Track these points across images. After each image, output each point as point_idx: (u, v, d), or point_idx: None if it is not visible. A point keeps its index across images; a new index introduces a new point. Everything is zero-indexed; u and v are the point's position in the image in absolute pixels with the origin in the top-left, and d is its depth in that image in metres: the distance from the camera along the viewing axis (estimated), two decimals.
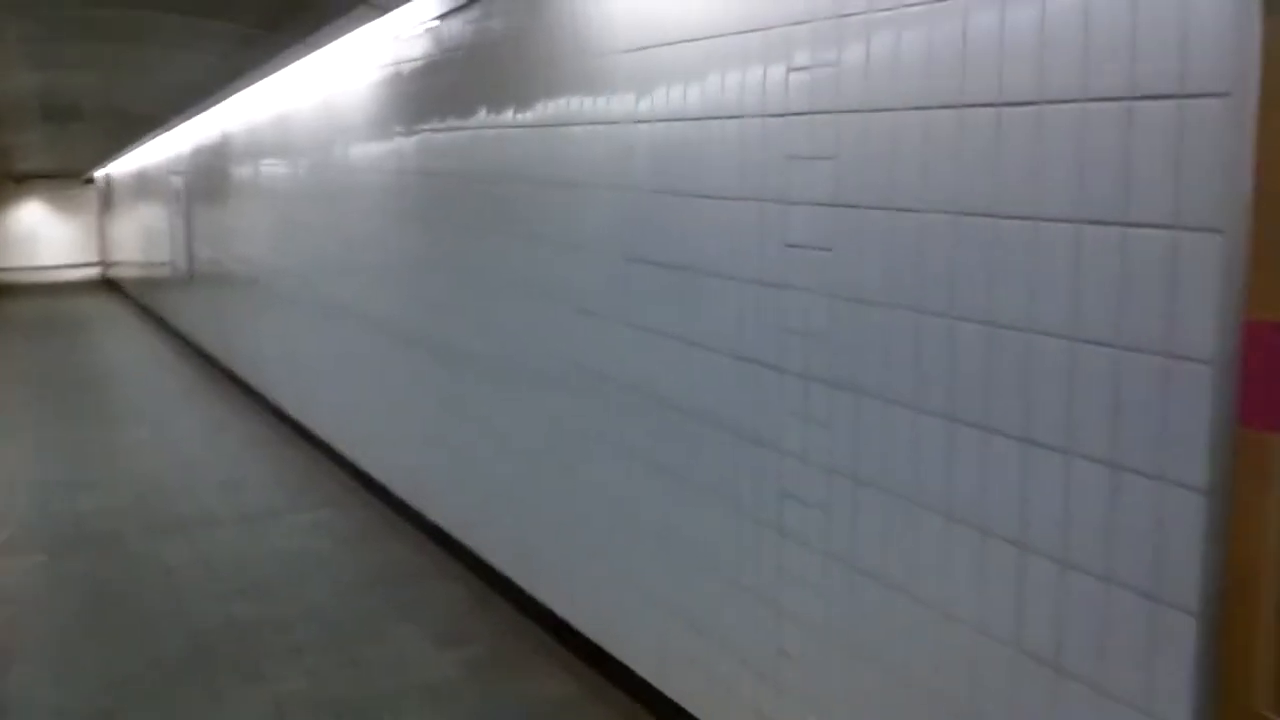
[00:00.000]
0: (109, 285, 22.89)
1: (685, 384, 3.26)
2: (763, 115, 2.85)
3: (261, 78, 8.07)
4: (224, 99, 9.44)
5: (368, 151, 6.20)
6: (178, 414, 9.04)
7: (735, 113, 2.96)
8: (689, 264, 3.21)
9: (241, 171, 9.61)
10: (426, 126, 5.25)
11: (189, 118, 11.42)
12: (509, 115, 4.38)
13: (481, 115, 4.64)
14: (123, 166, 19.91)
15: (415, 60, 5.35)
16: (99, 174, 24.78)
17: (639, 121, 3.43)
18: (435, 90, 5.15)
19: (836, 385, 2.62)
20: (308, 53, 6.82)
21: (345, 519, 6.02)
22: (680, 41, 3.20)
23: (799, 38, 2.70)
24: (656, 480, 3.46)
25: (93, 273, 26.09)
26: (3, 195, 27.53)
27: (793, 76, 2.73)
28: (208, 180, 11.28)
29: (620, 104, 3.53)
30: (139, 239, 17.98)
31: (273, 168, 8.45)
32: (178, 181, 12.98)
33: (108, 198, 23.75)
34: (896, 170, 2.41)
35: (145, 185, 16.82)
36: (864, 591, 2.59)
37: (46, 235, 28.36)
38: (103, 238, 26.08)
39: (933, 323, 2.33)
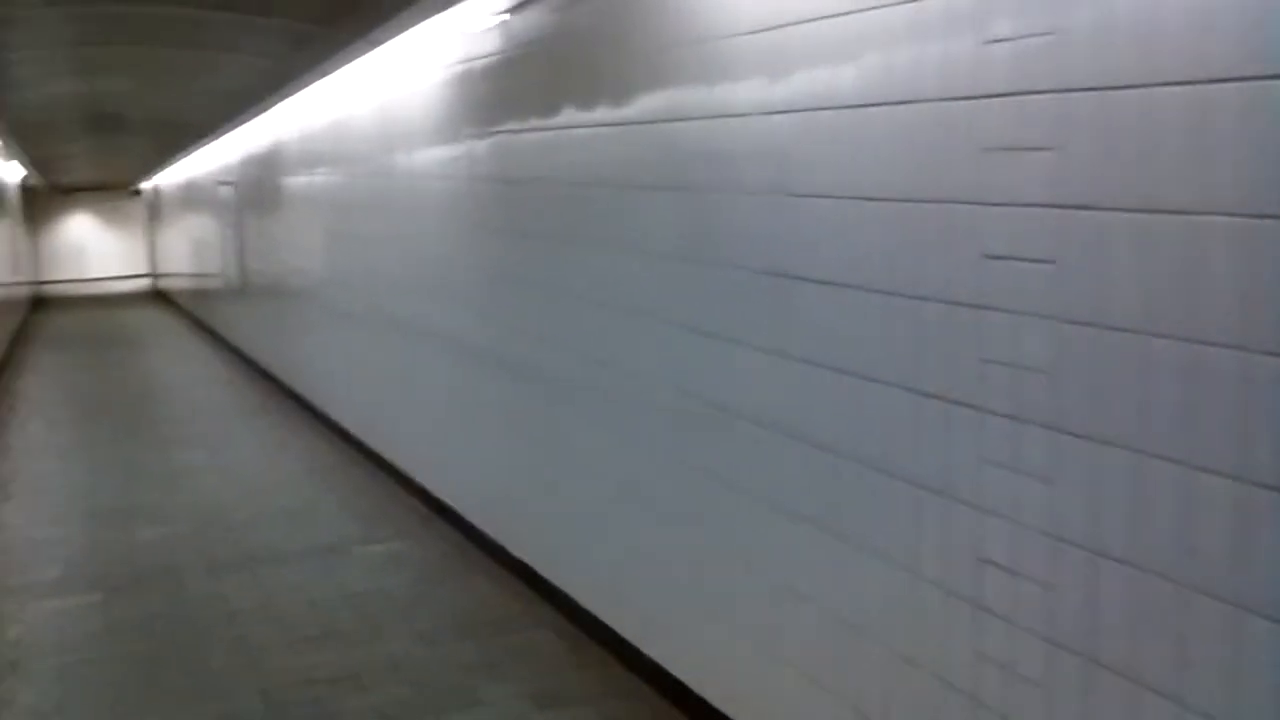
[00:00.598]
0: (159, 297, 22.77)
1: (839, 420, 2.77)
2: (945, 99, 2.35)
3: (315, 80, 7.67)
4: (275, 105, 9.07)
5: (433, 156, 5.77)
6: (235, 434, 8.68)
7: (905, 97, 2.47)
8: (843, 278, 2.72)
9: (294, 180, 9.24)
10: (502, 128, 4.80)
11: (239, 125, 11.08)
12: (601, 112, 3.91)
13: (568, 113, 4.18)
14: (170, 177, 19.72)
15: (488, 56, 4.90)
16: (147, 185, 24.67)
17: (772, 112, 2.94)
18: (512, 88, 4.70)
19: (1065, 431, 2.11)
20: (366, 51, 6.40)
21: (421, 552, 5.59)
22: (824, 17, 2.70)
23: (998, 2, 2.20)
24: (796, 530, 2.97)
25: (142, 284, 26.01)
26: (51, 208, 27.49)
27: (990, 50, 2.23)
28: (259, 189, 10.94)
29: (746, 92, 3.05)
30: (189, 250, 17.75)
31: (328, 175, 8.06)
32: (227, 192, 12.67)
33: (156, 209, 23.62)
34: (1153, 163, 1.90)
35: (194, 196, 16.57)
36: (1107, 692, 2.08)
37: (95, 247, 28.29)
38: (152, 249, 25.99)
39: (1217, 356, 1.82)
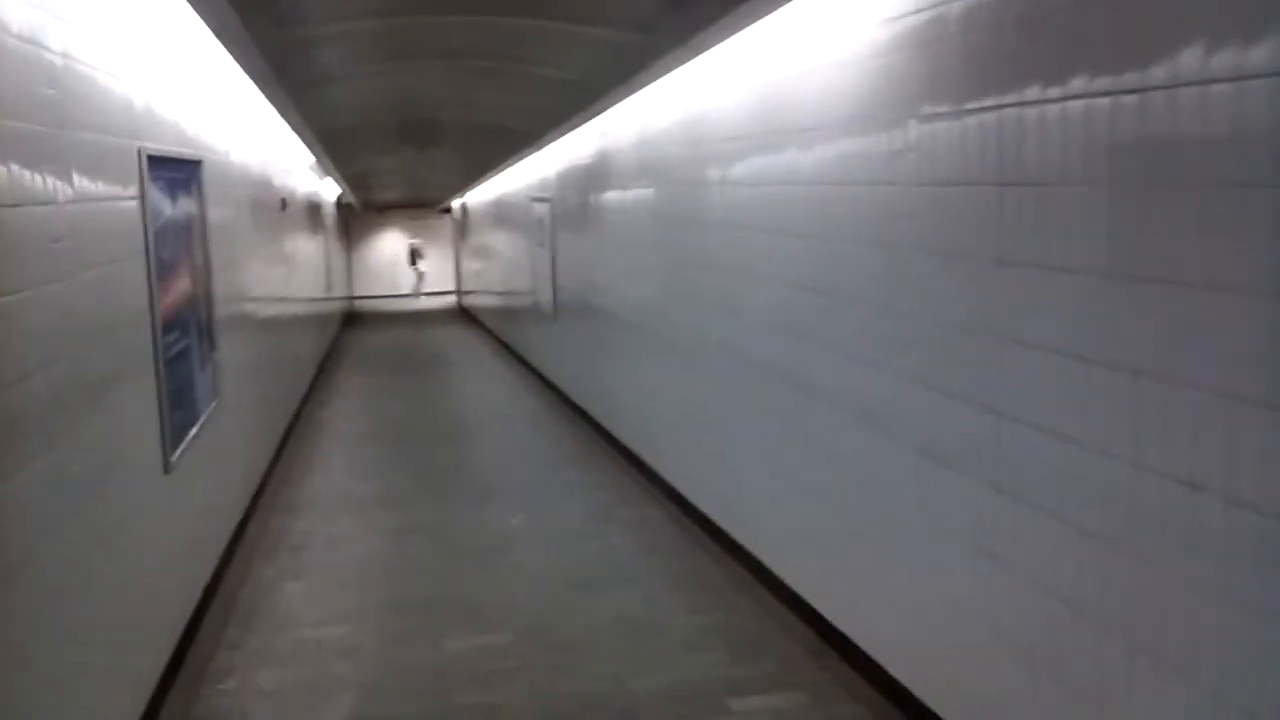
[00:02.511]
0: (464, 314, 22.54)
1: None
2: None
3: (653, 78, 6.24)
4: (607, 108, 7.75)
5: (836, 155, 4.13)
6: (552, 492, 7.37)
7: None
8: None
9: (624, 195, 7.90)
10: (1012, 97, 3.07)
11: (556, 136, 9.92)
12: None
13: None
14: (479, 195, 19.27)
15: None
16: (455, 204, 24.65)
17: None
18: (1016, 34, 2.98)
19: None
20: (736, 28, 4.87)
21: (825, 714, 3.94)
22: None
23: None
24: None
25: (448, 301, 26.09)
26: (366, 225, 28.21)
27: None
28: (576, 206, 9.73)
29: None
30: (495, 269, 17.10)
31: (667, 188, 6.62)
32: (541, 209, 11.61)
33: (463, 227, 23.48)
34: None
35: (503, 214, 15.83)
36: None
37: (404, 264, 28.85)
38: (458, 267, 26.02)
39: None
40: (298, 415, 10.27)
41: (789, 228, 4.72)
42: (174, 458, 4.49)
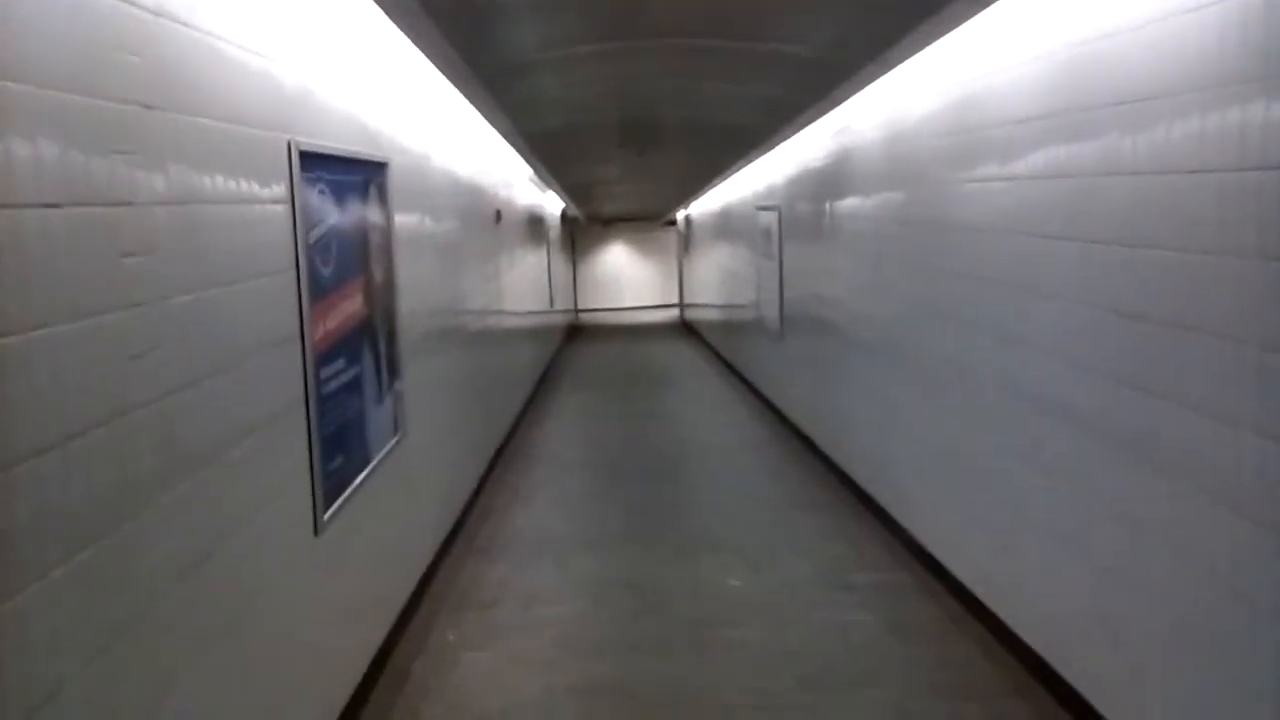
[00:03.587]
0: (685, 329, 21.80)
1: None
2: None
3: (922, 44, 5.17)
4: (844, 101, 6.72)
5: (1191, 133, 2.98)
6: (775, 543, 6.37)
7: None
8: None
9: (863, 200, 6.83)
10: None
11: (787, 135, 8.93)
12: None
13: None
14: (702, 206, 18.49)
15: None
16: (679, 215, 23.99)
17: None
18: None
19: None
20: None
21: None
22: None
23: None
24: None
25: (671, 314, 25.46)
26: (591, 238, 27.99)
27: None
28: (807, 214, 8.71)
29: None
30: (718, 283, 16.24)
31: (924, 187, 5.52)
32: (767, 218, 10.64)
33: (687, 239, 22.77)
34: None
35: (726, 224, 14.96)
36: None
37: (629, 276, 28.47)
38: (680, 280, 25.36)
39: None
40: (510, 436, 9.67)
41: (1101, 232, 3.56)
42: (326, 516, 3.76)
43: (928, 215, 5.51)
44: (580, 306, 27.06)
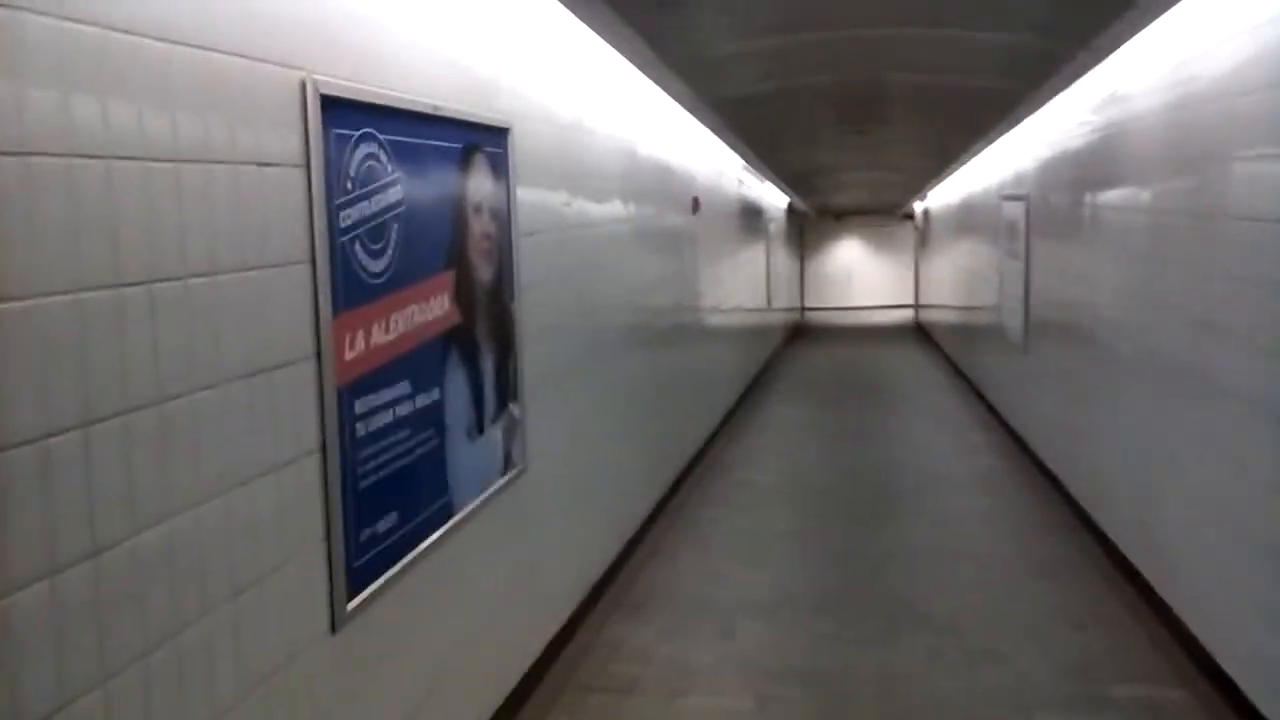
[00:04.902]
0: (919, 332, 20.07)
1: None
2: None
3: None
4: (1119, 42, 5.22)
5: None
6: (1007, 626, 4.96)
7: None
8: None
9: (1138, 188, 5.31)
10: None
11: (1038, 104, 7.40)
12: None
13: None
14: (940, 197, 16.78)
15: None
16: (917, 207, 22.20)
17: None
18: None
19: None
20: None
21: None
22: None
23: None
24: None
25: (905, 315, 23.69)
26: (821, 232, 26.51)
27: None
28: (1062, 205, 7.16)
29: None
30: (956, 283, 14.58)
31: (1233, 166, 4.01)
32: (1012, 210, 9.06)
33: (924, 234, 20.98)
34: None
35: (965, 217, 13.31)
36: None
37: (861, 274, 26.81)
38: (916, 279, 23.52)
39: None
40: (701, 453, 8.54)
41: None
42: (354, 603, 2.72)
43: (1229, 206, 4.00)
44: (807, 305, 25.63)
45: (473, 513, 3.56)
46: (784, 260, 19.47)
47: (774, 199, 16.75)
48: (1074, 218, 6.79)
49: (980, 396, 11.43)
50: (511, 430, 3.96)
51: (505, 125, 3.89)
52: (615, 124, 5.77)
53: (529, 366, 4.15)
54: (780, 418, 11.01)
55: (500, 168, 3.86)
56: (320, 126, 2.56)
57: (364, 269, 2.78)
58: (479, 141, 3.65)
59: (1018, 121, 8.13)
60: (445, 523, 3.33)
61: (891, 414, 11.10)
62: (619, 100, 5.86)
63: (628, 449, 6.02)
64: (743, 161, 11.71)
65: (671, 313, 7.56)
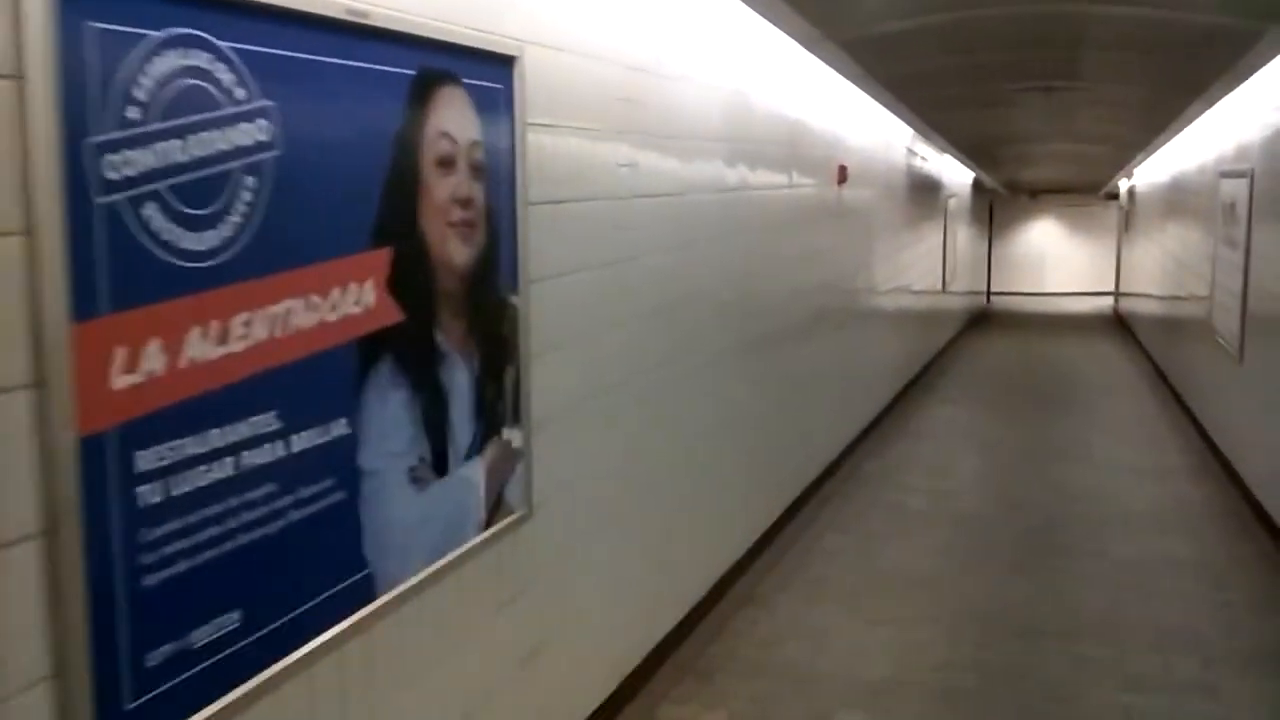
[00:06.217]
0: (1118, 325, 18.05)
1: None
2: None
3: None
4: None
5: None
6: None
7: None
8: None
9: None
10: None
11: (1264, 59, 5.87)
12: None
13: None
14: (1148, 174, 14.84)
15: None
16: (1122, 186, 20.01)
17: None
18: None
19: None
20: None
21: None
22: None
23: None
24: None
25: (1102, 304, 21.53)
26: (1013, 211, 24.50)
27: None
28: None
29: None
30: (1161, 271, 12.77)
31: None
32: (1233, 188, 7.45)
33: (1128, 215, 18.85)
34: None
35: (1175, 196, 11.51)
36: None
37: (1055, 258, 24.68)
38: (1118, 265, 21.31)
39: None
40: (837, 464, 7.34)
41: None
42: None
43: None
44: (993, 289, 23.69)
45: (421, 585, 2.56)
46: (967, 240, 17.79)
47: (955, 173, 15.17)
48: None
49: (1181, 405, 9.77)
50: (505, 465, 2.94)
51: (507, 52, 2.85)
52: (719, 71, 4.65)
53: (544, 379, 3.12)
54: (942, 422, 9.64)
55: (495, 110, 2.82)
56: (56, 13, 1.58)
57: (167, 246, 1.79)
58: (452, 70, 2.62)
59: (1244, 76, 6.54)
60: (359, 608, 2.34)
61: (1075, 424, 9.56)
62: (726, 42, 4.74)
63: (717, 469, 4.91)
64: (912, 130, 10.34)
65: (801, 301, 6.39)
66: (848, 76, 6.56)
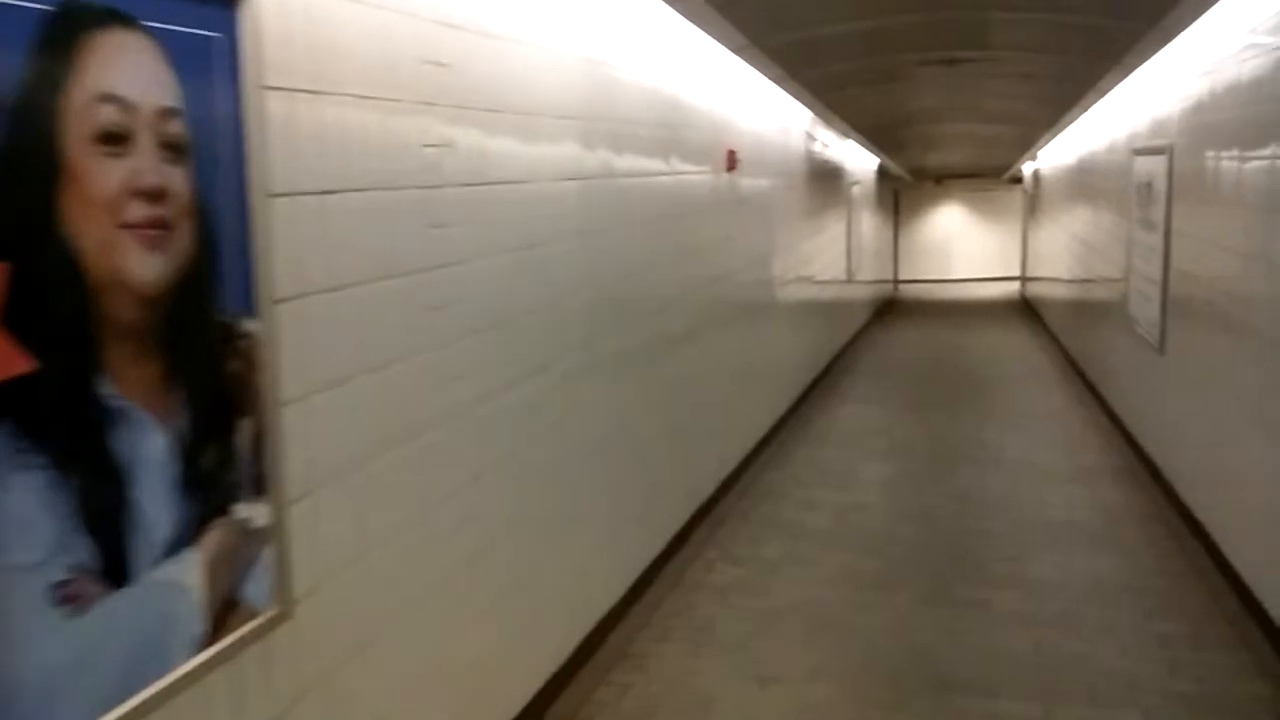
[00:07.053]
0: (1025, 310, 17.75)
1: None
2: None
3: None
4: None
5: None
6: None
7: None
8: None
9: None
10: None
11: (1183, 25, 5.32)
12: None
13: None
14: (1054, 156, 14.48)
15: None
16: (1027, 170, 19.73)
17: None
18: None
19: None
20: None
21: None
22: None
23: None
24: None
25: (1009, 290, 21.31)
26: (919, 198, 24.19)
27: None
28: (1223, 157, 5.08)
29: None
30: (1066, 254, 12.37)
31: None
32: (1148, 166, 6.94)
33: (1034, 200, 18.57)
34: None
35: (1082, 178, 11.09)
36: None
37: (962, 244, 24.45)
38: (1023, 250, 21.08)
39: None
40: (732, 480, 6.66)
41: None
42: None
43: None
44: (900, 278, 23.37)
45: None
46: (873, 228, 17.32)
47: (859, 160, 14.65)
48: (1241, 175, 4.73)
49: (1094, 394, 9.32)
50: (239, 553, 2.16)
51: None
52: (571, 35, 3.91)
53: (309, 429, 2.35)
54: (849, 422, 9.03)
55: (207, 67, 2.04)
56: None
57: None
58: (123, 7, 1.83)
59: (1170, 35, 5.96)
60: None
61: (987, 420, 9.02)
62: (581, 3, 4.00)
63: (580, 508, 4.18)
64: (811, 114, 9.72)
65: (689, 299, 5.70)
66: (730, 47, 5.85)
